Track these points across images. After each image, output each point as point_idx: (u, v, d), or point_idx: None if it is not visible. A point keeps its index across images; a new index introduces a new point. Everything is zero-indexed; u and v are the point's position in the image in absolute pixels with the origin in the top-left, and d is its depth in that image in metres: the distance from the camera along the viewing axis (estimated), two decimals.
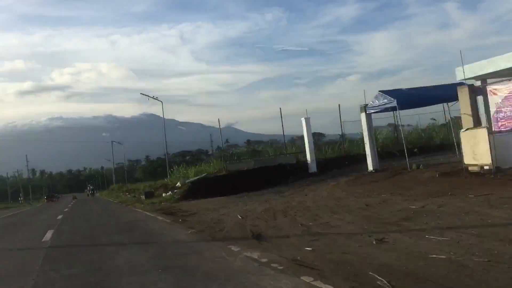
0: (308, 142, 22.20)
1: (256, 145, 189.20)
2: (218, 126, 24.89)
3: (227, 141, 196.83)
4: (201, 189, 20.79)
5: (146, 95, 28.71)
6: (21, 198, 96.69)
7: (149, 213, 15.98)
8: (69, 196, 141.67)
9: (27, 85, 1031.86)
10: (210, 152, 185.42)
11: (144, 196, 24.68)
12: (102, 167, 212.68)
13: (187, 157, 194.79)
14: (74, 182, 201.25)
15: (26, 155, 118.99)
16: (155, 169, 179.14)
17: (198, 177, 21.54)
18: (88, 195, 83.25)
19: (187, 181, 21.81)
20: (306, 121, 22.26)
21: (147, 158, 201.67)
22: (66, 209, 26.75)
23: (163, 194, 23.03)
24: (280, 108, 23.95)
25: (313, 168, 22.21)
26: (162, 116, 45.61)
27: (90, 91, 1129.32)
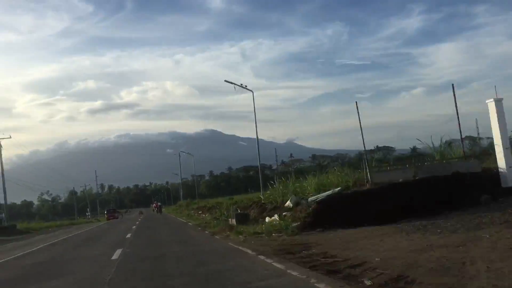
0: (502, 136, 13.69)
1: (321, 160, 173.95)
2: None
3: (291, 155, 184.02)
4: (332, 211, 12.93)
5: (232, 82, 21.84)
6: (88, 213, 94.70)
7: (275, 262, 8.26)
8: (136, 210, 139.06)
9: (98, 104, 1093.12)
10: (274, 167, 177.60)
11: (234, 220, 17.15)
12: (167, 182, 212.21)
13: (251, 172, 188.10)
14: (141, 197, 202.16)
15: (95, 171, 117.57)
16: (218, 184, 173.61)
17: (328, 193, 13.57)
18: (153, 210, 79.57)
19: (310, 199, 13.93)
20: (497, 105, 13.81)
21: (211, 173, 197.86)
22: (129, 235, 19.99)
23: (267, 219, 15.38)
24: (453, 85, 15.61)
25: (510, 179, 13.62)
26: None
27: (156, 108, 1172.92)
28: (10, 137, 41.74)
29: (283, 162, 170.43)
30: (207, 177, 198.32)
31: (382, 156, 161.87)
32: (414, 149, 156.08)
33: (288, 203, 15.13)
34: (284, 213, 14.80)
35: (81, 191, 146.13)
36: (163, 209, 73.82)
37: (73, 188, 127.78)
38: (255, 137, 25.97)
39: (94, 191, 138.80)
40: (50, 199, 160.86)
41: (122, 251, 12.72)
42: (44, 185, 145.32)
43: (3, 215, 44.77)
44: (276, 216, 14.86)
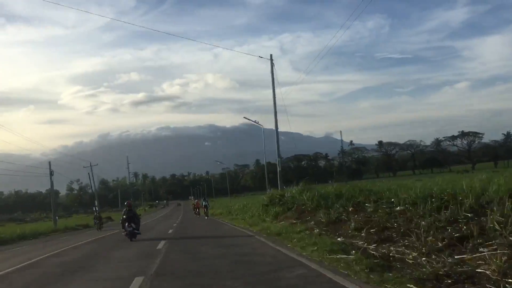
0: None
1: (389, 148, 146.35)
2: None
3: (351, 142, 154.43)
4: None
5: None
6: (96, 207, 74.04)
7: None
8: (174, 203, 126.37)
9: (140, 96, 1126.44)
10: (330, 156, 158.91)
11: None
12: (207, 172, 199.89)
13: (303, 162, 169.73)
14: (178, 187, 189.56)
15: (127, 157, 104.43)
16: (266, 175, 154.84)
17: None
18: (194, 210, 46.22)
19: None
20: None
21: (257, 162, 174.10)
22: None
23: None
24: None
25: None
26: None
27: (195, 101, 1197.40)
28: None
29: (343, 151, 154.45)
30: (251, 167, 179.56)
31: (467, 145, 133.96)
32: (508, 135, 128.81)
33: None
34: None
35: (113, 181, 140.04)
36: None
37: (92, 177, 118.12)
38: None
39: (129, 181, 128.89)
40: (77, 188, 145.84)
41: None
42: (84, 176, 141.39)
43: None
44: None
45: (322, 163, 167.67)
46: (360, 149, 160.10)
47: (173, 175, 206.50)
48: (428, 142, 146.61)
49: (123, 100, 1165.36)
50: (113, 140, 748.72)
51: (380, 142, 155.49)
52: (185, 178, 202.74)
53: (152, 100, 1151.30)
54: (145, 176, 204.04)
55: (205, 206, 37.72)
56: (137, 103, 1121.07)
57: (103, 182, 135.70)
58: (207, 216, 36.52)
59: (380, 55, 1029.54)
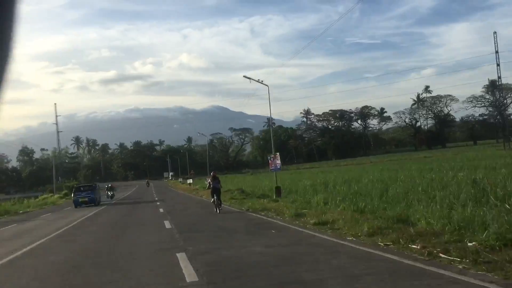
0: None
1: (503, 95, 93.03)
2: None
3: (426, 88, 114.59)
4: None
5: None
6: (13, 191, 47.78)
7: None
8: (135, 185, 76.12)
9: (111, 74, 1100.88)
10: (386, 112, 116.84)
11: None
12: (189, 139, 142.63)
13: (333, 122, 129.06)
14: (144, 160, 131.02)
15: (55, 104, 69.75)
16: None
17: None
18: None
19: None
20: None
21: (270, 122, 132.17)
22: None
23: None
24: None
25: None
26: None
27: (165, 83, 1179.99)
28: None
29: (382, 117, 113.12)
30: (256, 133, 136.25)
31: None
32: None
33: None
34: None
35: (42, 150, 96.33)
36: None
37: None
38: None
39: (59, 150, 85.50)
40: None
41: None
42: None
43: None
44: None
45: (373, 124, 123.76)
46: (443, 98, 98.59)
47: (137, 142, 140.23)
48: None
49: (92, 78, 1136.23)
50: (80, 121, 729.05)
51: (493, 84, 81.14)
52: (155, 147, 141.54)
53: (123, 79, 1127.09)
54: (92, 144, 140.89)
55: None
56: (107, 82, 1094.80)
57: (25, 153, 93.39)
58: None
59: (350, 40, 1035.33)
